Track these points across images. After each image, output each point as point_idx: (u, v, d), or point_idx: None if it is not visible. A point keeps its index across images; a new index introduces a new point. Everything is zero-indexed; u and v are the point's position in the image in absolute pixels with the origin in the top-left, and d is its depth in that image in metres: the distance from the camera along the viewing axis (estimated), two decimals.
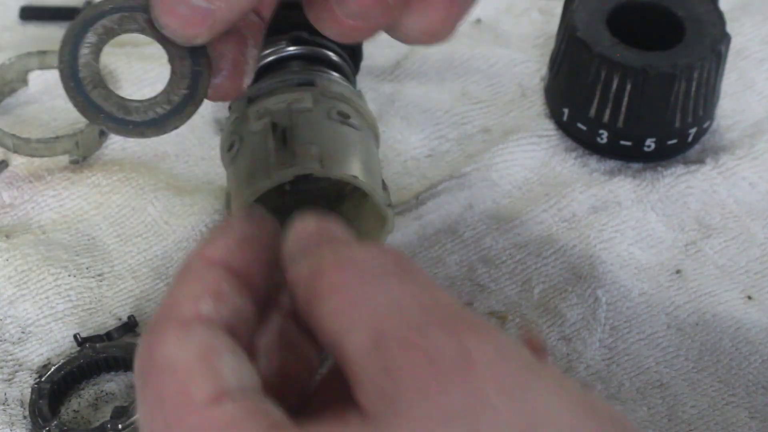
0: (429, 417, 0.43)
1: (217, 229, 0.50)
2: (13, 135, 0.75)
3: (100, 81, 0.54)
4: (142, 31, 0.54)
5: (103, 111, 0.53)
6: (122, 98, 0.53)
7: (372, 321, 0.45)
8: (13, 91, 0.81)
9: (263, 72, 0.73)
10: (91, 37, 0.54)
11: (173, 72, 0.54)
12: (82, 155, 0.77)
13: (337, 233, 0.50)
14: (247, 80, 0.56)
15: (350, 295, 0.46)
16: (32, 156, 0.76)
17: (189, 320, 0.46)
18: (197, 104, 0.54)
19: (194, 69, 0.54)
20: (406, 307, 0.45)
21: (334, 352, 0.46)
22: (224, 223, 0.51)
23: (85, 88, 0.53)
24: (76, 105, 0.53)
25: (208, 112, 0.80)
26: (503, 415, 0.43)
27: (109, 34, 0.54)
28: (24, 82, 0.81)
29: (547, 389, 0.44)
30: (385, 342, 0.44)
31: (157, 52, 0.82)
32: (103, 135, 0.78)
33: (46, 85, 0.81)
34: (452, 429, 0.43)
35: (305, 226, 0.50)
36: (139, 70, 0.81)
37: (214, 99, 0.56)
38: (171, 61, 0.54)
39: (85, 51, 0.54)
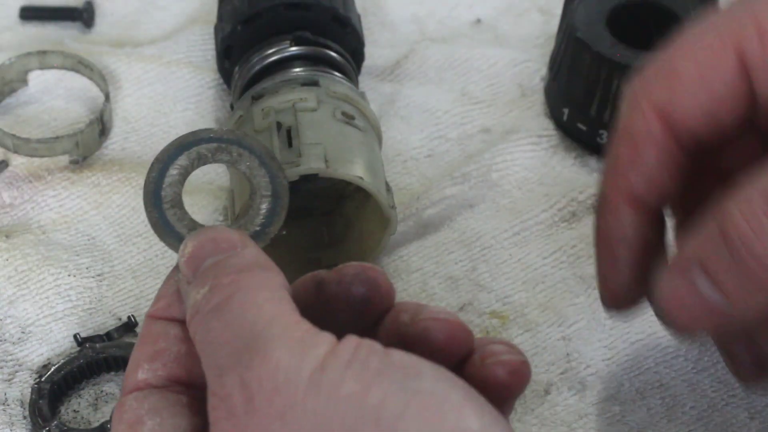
0: None
1: (163, 283, 0.55)
2: (13, 135, 0.75)
3: (178, 202, 0.56)
4: (233, 164, 0.56)
5: (173, 230, 0.56)
6: (195, 222, 0.56)
7: (208, 373, 0.48)
8: (13, 91, 0.80)
9: (267, 71, 0.73)
10: (183, 160, 0.56)
11: (251, 207, 0.56)
12: (82, 155, 0.77)
13: (206, 251, 0.52)
14: None
15: (199, 348, 0.49)
16: (32, 156, 0.76)
17: (127, 391, 0.52)
18: (265, 242, 0.56)
19: (271, 209, 0.56)
20: (218, 349, 0.48)
21: None
22: (169, 275, 0.55)
23: (164, 206, 0.56)
24: (150, 219, 0.56)
25: (209, 112, 0.80)
26: None
27: (200, 161, 0.56)
28: (24, 82, 0.80)
29: (330, 395, 0.45)
30: (210, 395, 0.48)
31: (157, 52, 0.83)
32: (102, 135, 0.78)
33: (46, 85, 0.81)
34: None
35: (184, 254, 0.53)
36: (139, 70, 0.81)
37: None
38: (252, 197, 0.56)
39: (173, 172, 0.56)
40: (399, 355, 0.46)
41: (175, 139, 0.56)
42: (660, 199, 0.56)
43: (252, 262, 0.51)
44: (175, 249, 0.55)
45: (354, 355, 0.46)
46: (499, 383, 0.51)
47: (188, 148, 0.56)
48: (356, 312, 0.54)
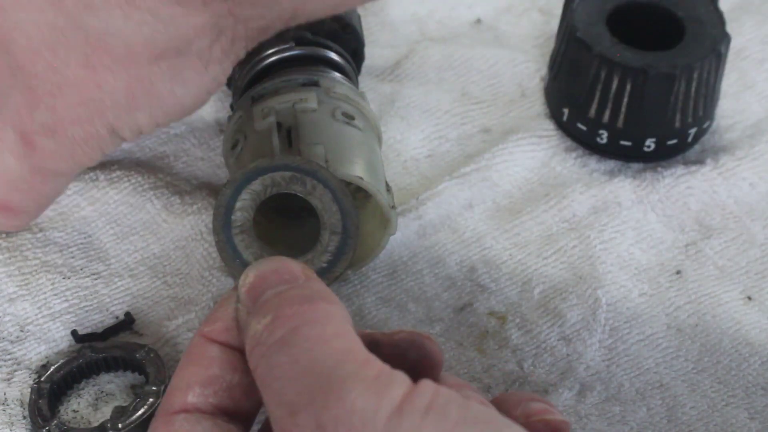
0: None
1: (219, 305, 0.53)
2: None
3: (248, 228, 0.55)
4: (305, 195, 0.55)
5: (239, 257, 0.55)
6: (262, 250, 0.54)
7: (273, 405, 0.47)
8: None
9: (267, 71, 0.73)
10: (256, 185, 0.55)
11: (320, 242, 0.55)
12: None
13: (266, 283, 0.51)
14: None
15: (259, 379, 0.49)
16: None
17: (175, 413, 0.51)
18: (330, 280, 0.55)
19: (339, 248, 0.55)
20: (286, 385, 0.47)
21: None
22: (225, 297, 0.54)
23: (232, 230, 0.55)
24: (217, 242, 0.55)
25: (208, 112, 0.80)
26: None
27: (274, 187, 0.55)
28: None
29: None
30: (278, 426, 0.47)
31: None
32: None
33: None
34: None
35: (245, 284, 0.52)
36: None
37: None
38: (322, 232, 0.55)
39: (245, 196, 0.55)
40: (478, 408, 0.46)
41: (251, 164, 0.55)
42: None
43: (315, 294, 0.50)
44: (237, 276, 0.53)
45: (432, 402, 0.45)
46: None
47: (263, 174, 0.55)
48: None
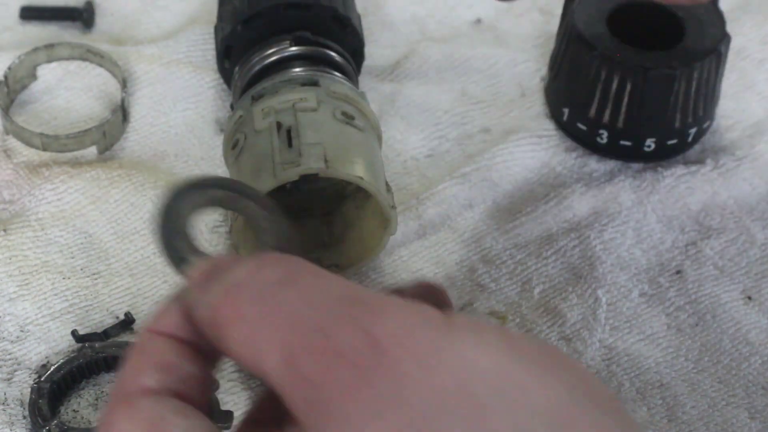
0: (360, 413, 0.42)
1: (166, 303, 0.50)
2: (42, 134, 0.75)
3: (192, 236, 0.52)
4: (247, 218, 0.53)
5: (186, 262, 0.51)
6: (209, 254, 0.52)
7: (277, 339, 0.44)
8: (24, 87, 0.81)
9: (267, 71, 0.73)
10: (197, 198, 0.52)
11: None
12: (108, 144, 0.77)
13: (224, 262, 0.48)
14: None
15: (249, 322, 0.45)
16: (62, 152, 0.76)
17: (134, 394, 0.47)
18: None
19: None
20: (303, 313, 0.44)
21: (260, 376, 0.45)
22: (173, 296, 0.50)
23: (177, 237, 0.52)
24: (162, 250, 0.52)
25: (209, 112, 0.80)
26: (429, 388, 0.42)
27: (215, 203, 0.53)
28: (33, 77, 0.81)
29: (466, 347, 0.42)
30: (296, 355, 0.43)
31: (157, 52, 0.83)
32: (125, 121, 0.78)
33: (53, 76, 0.81)
34: (384, 418, 0.42)
35: (198, 269, 0.49)
36: (139, 70, 0.81)
37: None
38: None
39: (186, 205, 0.52)
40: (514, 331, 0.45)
41: (199, 177, 0.53)
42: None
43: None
44: (185, 275, 0.50)
45: (477, 321, 0.43)
46: None
47: (208, 187, 0.53)
48: None
